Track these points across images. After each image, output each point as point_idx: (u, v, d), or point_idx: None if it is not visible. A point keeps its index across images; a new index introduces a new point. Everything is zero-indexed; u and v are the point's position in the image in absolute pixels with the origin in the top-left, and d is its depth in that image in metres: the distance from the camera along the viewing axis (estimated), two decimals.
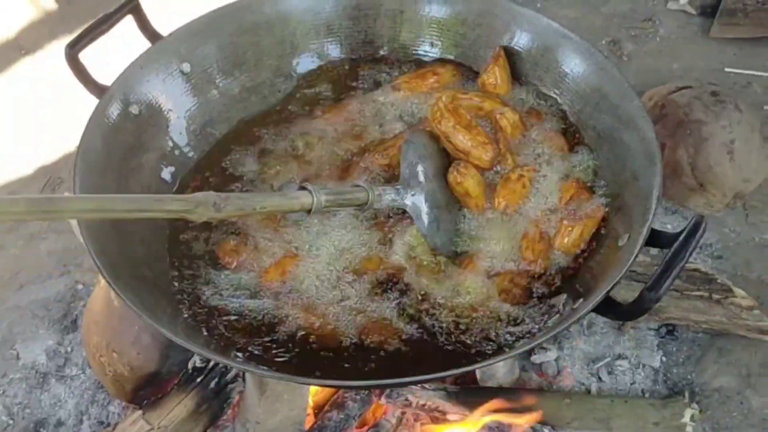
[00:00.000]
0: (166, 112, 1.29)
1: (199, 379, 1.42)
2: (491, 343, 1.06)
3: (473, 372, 1.45)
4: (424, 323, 1.08)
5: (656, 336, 1.60)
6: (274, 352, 1.05)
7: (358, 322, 1.08)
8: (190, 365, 1.43)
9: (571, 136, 1.28)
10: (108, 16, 1.22)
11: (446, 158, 1.23)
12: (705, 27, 2.38)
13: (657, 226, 0.98)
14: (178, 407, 1.39)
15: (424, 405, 1.40)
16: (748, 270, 1.73)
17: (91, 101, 1.18)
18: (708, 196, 1.76)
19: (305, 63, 1.43)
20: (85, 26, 1.20)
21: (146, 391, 1.44)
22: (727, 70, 2.25)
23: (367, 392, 1.47)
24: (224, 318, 1.09)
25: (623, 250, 1.02)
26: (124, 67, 1.23)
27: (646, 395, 1.52)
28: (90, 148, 1.11)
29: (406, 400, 1.40)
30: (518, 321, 1.08)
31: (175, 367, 1.43)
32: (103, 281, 1.42)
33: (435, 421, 1.40)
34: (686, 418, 1.43)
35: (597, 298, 0.93)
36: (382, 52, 1.45)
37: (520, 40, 1.34)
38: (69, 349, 1.67)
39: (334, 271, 1.13)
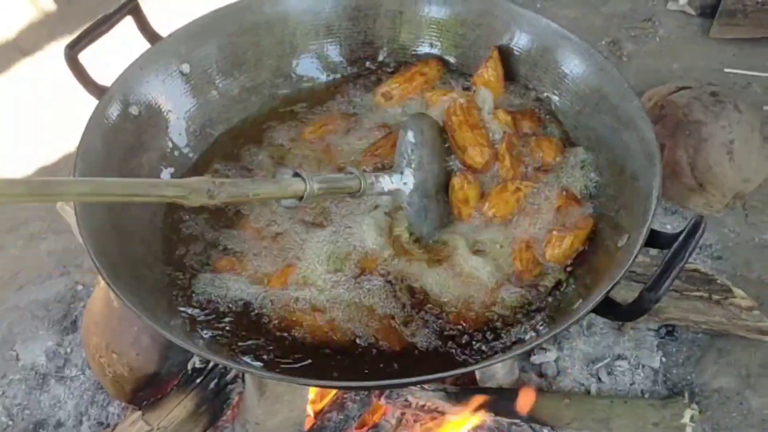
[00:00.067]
0: (165, 113, 1.29)
1: (198, 380, 1.42)
2: (491, 343, 1.06)
3: (473, 373, 1.45)
4: (424, 324, 1.08)
5: (656, 336, 1.60)
6: (273, 353, 1.05)
7: (357, 322, 1.08)
8: (189, 366, 1.43)
9: (565, 141, 1.28)
10: (107, 16, 1.22)
11: (443, 144, 1.24)
12: (705, 27, 2.39)
13: (656, 227, 0.98)
14: (178, 408, 1.39)
15: (423, 406, 1.40)
16: (748, 270, 1.73)
17: (91, 101, 1.18)
18: (708, 196, 1.76)
19: (305, 63, 1.43)
20: (85, 27, 1.20)
21: (146, 392, 1.44)
22: (726, 70, 2.25)
23: (366, 393, 1.47)
24: (223, 319, 1.08)
25: (623, 250, 1.02)
26: (124, 67, 1.23)
27: (646, 396, 1.52)
28: (90, 148, 1.11)
29: (406, 400, 1.40)
30: (517, 322, 1.08)
31: (175, 368, 1.43)
32: (102, 282, 1.42)
33: (434, 421, 1.40)
34: (686, 419, 1.43)
35: (596, 298, 0.93)
36: (381, 53, 1.45)
37: (520, 41, 1.34)
38: (69, 349, 1.67)
39: (332, 272, 1.13)
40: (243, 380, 1.43)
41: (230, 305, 1.10)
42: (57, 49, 2.38)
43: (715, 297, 1.53)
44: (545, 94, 1.33)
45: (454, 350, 1.05)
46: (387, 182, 1.17)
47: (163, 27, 1.31)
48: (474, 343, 1.06)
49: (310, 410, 1.42)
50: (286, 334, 1.07)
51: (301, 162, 1.29)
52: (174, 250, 1.18)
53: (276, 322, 1.08)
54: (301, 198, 1.05)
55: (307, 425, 1.42)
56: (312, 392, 1.42)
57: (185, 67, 1.31)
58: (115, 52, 1.37)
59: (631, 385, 1.54)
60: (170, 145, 1.29)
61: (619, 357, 1.57)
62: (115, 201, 0.98)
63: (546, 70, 1.32)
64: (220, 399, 1.43)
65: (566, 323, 0.97)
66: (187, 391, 1.41)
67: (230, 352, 1.04)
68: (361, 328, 1.07)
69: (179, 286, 1.12)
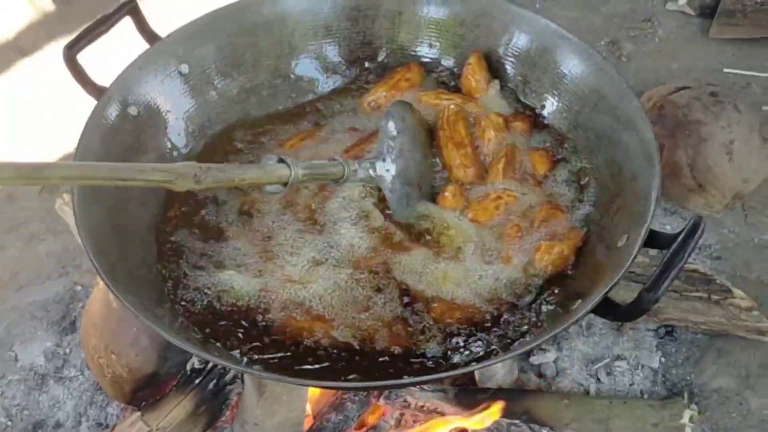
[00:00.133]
0: (164, 114, 1.29)
1: (197, 381, 1.42)
2: (490, 343, 1.06)
3: (472, 373, 1.45)
4: (423, 324, 1.08)
5: (655, 337, 1.60)
6: (272, 353, 1.05)
7: (356, 323, 1.08)
8: (188, 367, 1.43)
9: (556, 149, 1.29)
10: (106, 17, 1.22)
11: (425, 130, 1.26)
12: (704, 27, 2.38)
13: (656, 227, 0.98)
14: (177, 408, 1.39)
15: (422, 406, 1.40)
16: (747, 271, 1.73)
17: (91, 102, 1.18)
18: (707, 196, 1.76)
19: (304, 64, 1.43)
20: (84, 27, 1.20)
21: (145, 393, 1.44)
22: (726, 70, 2.25)
23: (365, 393, 1.47)
24: (223, 320, 1.08)
25: (622, 250, 1.02)
26: (123, 68, 1.23)
27: (645, 396, 1.52)
28: (88, 149, 1.11)
29: (405, 401, 1.40)
30: (516, 323, 1.08)
31: (174, 369, 1.43)
32: (101, 283, 1.42)
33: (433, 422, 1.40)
34: (685, 419, 1.42)
35: (596, 299, 0.93)
36: (381, 53, 1.45)
37: (519, 41, 1.34)
38: (67, 350, 1.66)
39: (330, 274, 1.13)
40: (242, 381, 1.42)
41: (229, 306, 1.10)
42: (56, 49, 2.38)
43: (715, 297, 1.53)
44: (540, 99, 1.33)
45: (453, 350, 1.05)
46: (369, 169, 1.19)
47: (163, 26, 1.31)
48: (473, 343, 1.06)
49: (309, 410, 1.41)
50: (285, 336, 1.07)
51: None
52: (173, 250, 1.17)
53: (276, 323, 1.08)
54: (285, 184, 1.06)
55: (306, 426, 1.42)
56: (311, 393, 1.42)
57: (184, 68, 1.31)
58: (114, 52, 1.37)
59: (630, 385, 1.54)
60: (169, 145, 1.29)
61: (619, 357, 1.57)
62: (102, 185, 0.98)
63: (545, 70, 1.32)
64: (219, 399, 1.43)
65: (565, 323, 0.97)
66: (186, 392, 1.41)
67: (229, 352, 1.04)
68: (359, 329, 1.07)
69: (178, 286, 1.12)
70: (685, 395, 1.49)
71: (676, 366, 1.57)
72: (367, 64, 1.45)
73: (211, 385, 1.42)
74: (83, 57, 1.19)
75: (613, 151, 1.18)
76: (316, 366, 1.03)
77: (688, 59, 2.30)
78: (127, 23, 1.26)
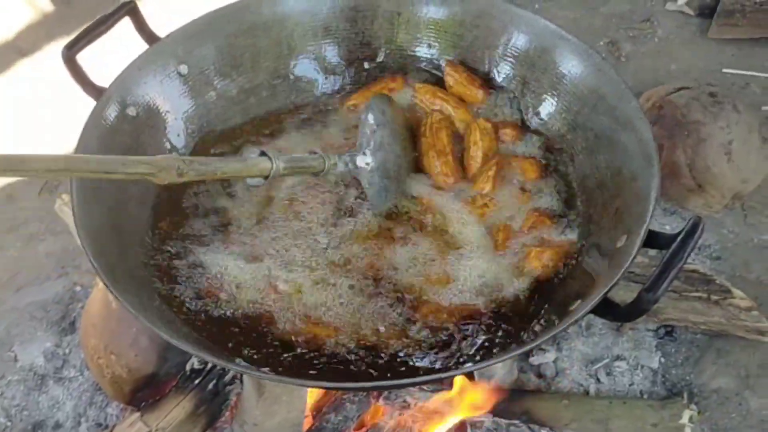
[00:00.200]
0: (163, 114, 1.29)
1: (197, 381, 1.42)
2: (489, 344, 1.06)
3: (471, 373, 1.45)
4: (422, 325, 1.08)
5: (655, 337, 1.60)
6: (272, 354, 1.05)
7: (355, 324, 1.08)
8: (188, 367, 1.43)
9: (546, 160, 1.29)
10: (105, 17, 1.22)
11: (405, 124, 1.27)
12: (703, 28, 2.39)
13: (655, 227, 0.98)
14: (176, 409, 1.39)
15: (422, 407, 1.40)
16: (747, 271, 1.73)
17: (91, 102, 1.18)
18: (706, 196, 1.76)
19: (303, 65, 1.43)
20: (83, 28, 1.20)
21: (144, 393, 1.44)
22: (725, 70, 2.25)
23: (365, 394, 1.47)
24: (221, 321, 1.08)
25: (621, 251, 1.02)
26: (122, 68, 1.22)
27: (645, 396, 1.52)
28: (88, 149, 1.11)
29: (404, 401, 1.40)
30: (515, 323, 1.08)
31: (173, 369, 1.43)
32: (101, 283, 1.42)
33: (432, 422, 1.40)
34: (685, 419, 1.42)
35: (595, 299, 0.93)
36: (380, 54, 1.45)
37: (518, 42, 1.34)
38: (67, 350, 1.66)
39: (327, 276, 1.14)
40: (241, 381, 1.42)
41: (229, 307, 1.10)
42: (56, 49, 2.39)
43: (714, 297, 1.53)
44: (538, 99, 1.33)
45: (451, 351, 1.05)
46: (349, 162, 1.20)
47: (163, 26, 1.31)
48: (473, 343, 1.06)
49: (308, 410, 1.41)
50: (284, 337, 1.07)
51: None
52: (172, 251, 1.17)
53: (275, 324, 1.08)
54: (266, 177, 1.07)
55: (306, 426, 1.42)
56: (310, 393, 1.42)
57: (183, 68, 1.31)
58: (113, 53, 1.37)
59: (629, 385, 1.54)
60: (168, 146, 1.29)
61: (618, 357, 1.57)
62: (87, 177, 0.98)
63: (544, 70, 1.32)
64: (218, 400, 1.43)
65: (565, 324, 0.97)
66: (185, 392, 1.41)
67: (228, 353, 1.04)
68: (358, 330, 1.07)
69: (177, 287, 1.12)
70: (685, 395, 1.49)
71: (676, 366, 1.57)
72: (366, 65, 1.45)
73: (210, 386, 1.42)
74: (82, 57, 1.19)
75: (612, 151, 1.18)
76: (316, 365, 1.03)
77: (687, 59, 2.30)
78: (126, 24, 1.26)
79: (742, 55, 2.29)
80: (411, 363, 1.04)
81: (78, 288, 1.80)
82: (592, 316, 0.94)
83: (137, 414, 1.40)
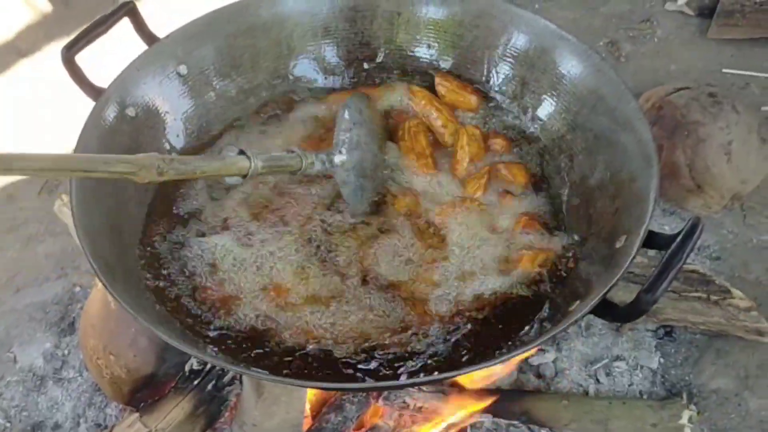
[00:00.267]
0: (162, 115, 1.29)
1: (196, 382, 1.42)
2: (489, 344, 1.06)
3: (471, 374, 1.45)
4: (419, 326, 1.08)
5: (654, 337, 1.60)
6: (271, 354, 1.05)
7: (354, 325, 1.08)
8: (187, 368, 1.43)
9: (536, 171, 1.29)
10: (105, 18, 1.22)
11: (382, 123, 1.29)
12: (703, 28, 2.39)
13: (654, 228, 0.98)
14: (176, 410, 1.39)
15: (421, 407, 1.40)
16: (746, 271, 1.73)
17: (90, 102, 1.18)
18: (706, 197, 1.76)
19: (302, 65, 1.43)
20: (82, 28, 1.20)
21: (143, 394, 1.44)
22: (724, 71, 2.25)
23: (364, 394, 1.47)
24: (220, 321, 1.08)
25: (620, 251, 1.02)
26: (121, 69, 1.22)
27: (644, 397, 1.52)
28: (87, 150, 1.11)
29: (404, 402, 1.40)
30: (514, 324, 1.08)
31: (172, 370, 1.43)
32: (100, 284, 1.42)
33: (432, 423, 1.40)
34: (684, 420, 1.42)
35: (594, 299, 0.92)
36: (379, 54, 1.45)
37: (518, 42, 1.34)
38: (66, 351, 1.66)
39: (323, 280, 1.14)
40: (240, 382, 1.42)
41: (227, 307, 1.10)
42: (55, 50, 2.38)
43: (714, 298, 1.53)
44: (537, 100, 1.33)
45: (451, 352, 1.05)
46: (326, 161, 1.20)
47: (163, 26, 1.31)
48: (471, 344, 1.06)
49: (307, 411, 1.41)
50: (283, 338, 1.07)
51: None
52: (170, 251, 1.17)
53: (274, 324, 1.08)
54: (245, 176, 1.08)
55: (305, 427, 1.42)
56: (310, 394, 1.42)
57: (182, 69, 1.31)
58: (112, 53, 1.37)
59: (629, 386, 1.54)
60: (167, 146, 1.29)
61: (618, 358, 1.57)
62: (67, 176, 0.99)
63: (544, 71, 1.32)
64: (217, 401, 1.43)
65: (564, 324, 0.97)
66: (184, 393, 1.41)
67: (227, 354, 1.04)
68: (358, 330, 1.07)
69: (175, 286, 1.12)
70: (684, 396, 1.49)
71: (675, 366, 1.57)
72: (365, 65, 1.45)
73: (209, 387, 1.42)
74: (82, 58, 1.19)
75: (612, 152, 1.18)
76: (315, 366, 1.03)
77: (686, 60, 2.30)
78: (125, 24, 1.26)
79: (741, 56, 2.29)
80: (409, 363, 1.04)
81: (77, 289, 1.80)
82: (591, 316, 0.94)
83: (136, 415, 1.40)
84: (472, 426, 1.44)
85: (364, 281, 1.13)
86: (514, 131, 1.34)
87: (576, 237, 1.17)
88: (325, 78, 1.44)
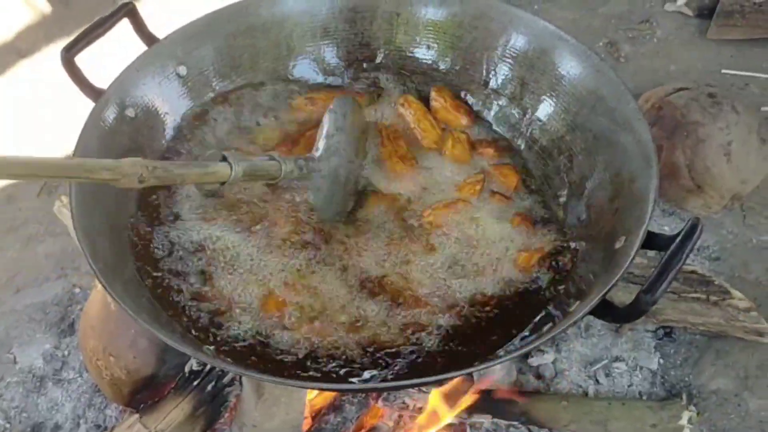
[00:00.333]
0: (162, 115, 1.29)
1: (195, 383, 1.42)
2: (488, 345, 1.06)
3: (470, 375, 1.45)
4: (421, 326, 1.08)
5: (654, 338, 1.60)
6: (271, 355, 1.05)
7: (354, 326, 1.08)
8: (186, 369, 1.43)
9: (535, 171, 1.30)
10: (104, 19, 1.22)
11: (364, 130, 1.29)
12: (702, 28, 2.39)
13: (654, 228, 0.98)
14: (175, 411, 1.39)
15: (421, 408, 1.40)
16: (746, 272, 1.73)
17: (90, 103, 1.18)
18: (705, 197, 1.76)
19: (302, 66, 1.43)
20: (82, 29, 1.20)
21: (143, 395, 1.44)
22: (724, 71, 2.25)
23: (364, 395, 1.47)
24: (220, 321, 1.08)
25: (620, 252, 1.02)
26: (121, 70, 1.22)
27: (644, 397, 1.52)
28: (86, 151, 1.11)
29: (403, 402, 1.40)
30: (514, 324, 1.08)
31: (172, 371, 1.43)
32: (99, 285, 1.42)
33: (431, 423, 1.40)
34: (684, 420, 1.42)
35: (594, 300, 0.92)
36: (379, 55, 1.45)
37: (517, 43, 1.34)
38: (66, 352, 1.66)
39: (322, 281, 1.14)
40: (240, 383, 1.42)
41: (226, 309, 1.10)
42: (54, 50, 2.39)
43: (713, 298, 1.53)
44: (537, 101, 1.34)
45: (451, 352, 1.05)
46: (304, 167, 1.19)
47: (163, 26, 1.31)
48: (470, 344, 1.06)
49: (307, 412, 1.42)
50: (283, 339, 1.07)
51: None
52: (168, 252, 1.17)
53: (273, 326, 1.08)
54: (223, 183, 1.08)
55: (305, 427, 1.42)
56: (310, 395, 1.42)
57: (182, 70, 1.31)
58: (112, 54, 1.37)
59: (628, 386, 1.54)
60: (167, 147, 1.29)
61: (617, 359, 1.57)
62: (51, 181, 0.99)
63: (543, 71, 1.32)
64: (217, 402, 1.43)
65: (564, 325, 0.97)
66: (184, 394, 1.41)
67: (226, 354, 1.04)
68: (357, 331, 1.07)
69: (174, 287, 1.12)
70: (684, 396, 1.49)
71: (675, 367, 1.57)
72: (365, 66, 1.45)
73: (209, 387, 1.42)
74: (81, 59, 1.19)
75: (611, 152, 1.18)
76: (315, 367, 1.03)
77: (686, 60, 2.30)
78: (124, 25, 1.26)
79: (741, 56, 2.29)
80: (408, 364, 1.04)
81: (77, 290, 1.80)
82: (591, 317, 0.94)
83: (136, 416, 1.40)
84: (472, 426, 1.44)
85: (362, 284, 1.13)
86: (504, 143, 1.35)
87: (575, 237, 1.17)
88: (325, 78, 1.44)
